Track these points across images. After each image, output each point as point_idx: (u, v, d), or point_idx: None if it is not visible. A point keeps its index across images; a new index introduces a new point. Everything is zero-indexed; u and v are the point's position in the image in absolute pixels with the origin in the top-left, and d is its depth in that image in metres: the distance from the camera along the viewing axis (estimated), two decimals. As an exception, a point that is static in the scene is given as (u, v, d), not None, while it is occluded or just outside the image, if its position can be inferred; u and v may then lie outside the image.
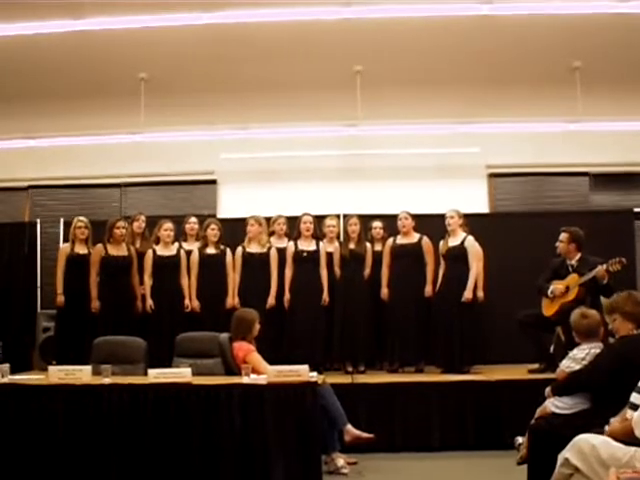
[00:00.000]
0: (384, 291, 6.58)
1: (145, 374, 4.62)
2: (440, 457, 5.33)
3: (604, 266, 5.55)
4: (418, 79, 7.60)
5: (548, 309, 5.94)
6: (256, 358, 4.88)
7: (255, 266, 6.60)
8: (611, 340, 3.96)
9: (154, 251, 6.63)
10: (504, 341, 6.76)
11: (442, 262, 6.51)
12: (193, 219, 6.94)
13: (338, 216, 7.12)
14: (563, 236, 6.00)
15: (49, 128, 7.71)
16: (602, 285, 5.58)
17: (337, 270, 6.70)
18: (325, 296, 6.56)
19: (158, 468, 4.25)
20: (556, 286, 5.87)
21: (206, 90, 7.71)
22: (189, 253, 6.68)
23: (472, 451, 5.39)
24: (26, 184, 8.49)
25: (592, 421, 3.45)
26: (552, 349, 5.94)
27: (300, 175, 8.06)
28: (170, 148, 7.99)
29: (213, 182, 8.37)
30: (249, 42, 6.75)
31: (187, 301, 6.55)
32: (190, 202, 8.35)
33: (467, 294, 6.23)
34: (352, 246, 6.71)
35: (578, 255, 5.95)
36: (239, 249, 6.68)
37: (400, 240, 6.64)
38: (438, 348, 6.36)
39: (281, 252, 6.67)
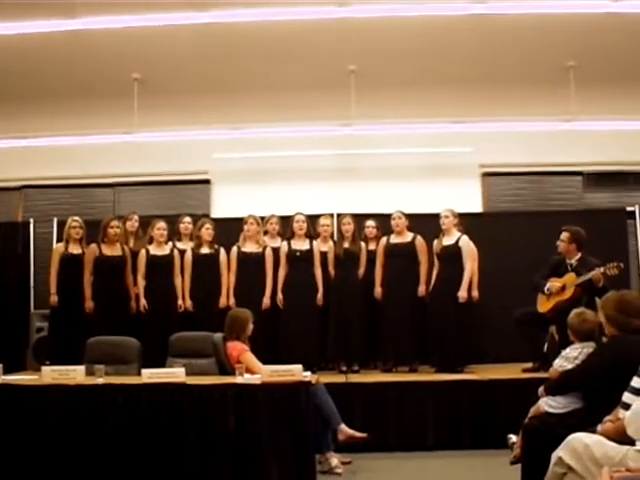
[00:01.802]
0: (378, 290, 6.58)
1: (139, 374, 4.60)
2: (434, 456, 5.33)
3: (601, 269, 5.55)
4: (412, 78, 7.61)
5: (543, 305, 5.95)
6: (250, 358, 4.88)
7: (250, 266, 6.59)
8: (604, 339, 3.95)
9: (147, 251, 6.61)
10: (498, 340, 6.78)
11: (436, 261, 6.51)
12: (187, 219, 6.93)
13: (332, 215, 7.13)
14: (564, 235, 5.98)
15: (42, 128, 7.68)
16: (598, 287, 5.59)
17: (331, 269, 6.71)
18: (320, 297, 6.56)
19: (152, 468, 4.25)
20: (553, 283, 5.87)
21: (200, 90, 7.70)
22: (183, 253, 6.67)
23: (466, 450, 5.40)
24: (19, 184, 8.46)
25: (585, 420, 3.45)
26: (545, 348, 5.95)
27: (294, 175, 8.06)
28: (163, 148, 7.97)
29: (207, 182, 8.36)
30: (242, 42, 6.73)
31: (180, 301, 6.54)
32: (184, 202, 8.33)
33: (462, 293, 6.24)
34: (346, 245, 6.72)
35: (578, 255, 5.95)
36: (234, 249, 6.67)
37: (394, 239, 6.64)
38: (432, 347, 6.37)
39: (274, 252, 6.66)
